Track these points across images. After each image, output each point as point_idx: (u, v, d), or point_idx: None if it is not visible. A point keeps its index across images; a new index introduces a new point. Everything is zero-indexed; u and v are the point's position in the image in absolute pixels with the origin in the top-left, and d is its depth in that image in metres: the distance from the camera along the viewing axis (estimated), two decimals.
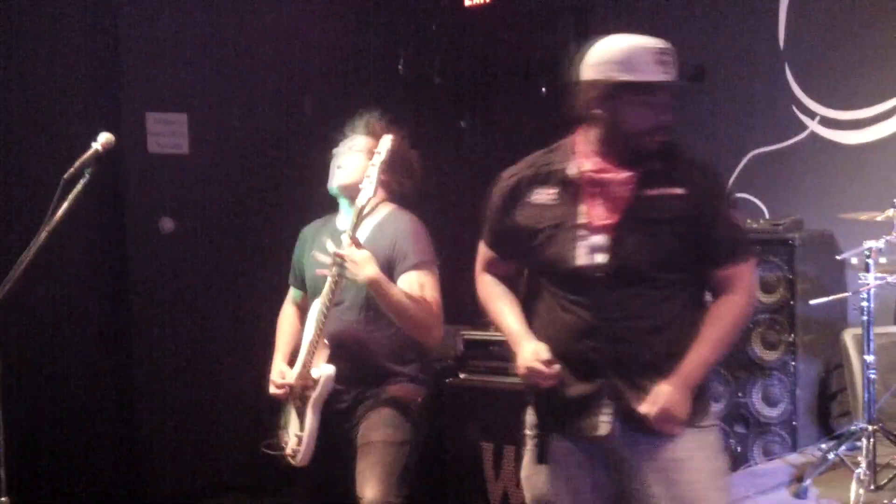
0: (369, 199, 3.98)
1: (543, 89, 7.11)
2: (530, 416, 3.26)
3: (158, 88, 6.19)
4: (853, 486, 4.85)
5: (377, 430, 4.04)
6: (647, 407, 2.99)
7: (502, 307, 3.29)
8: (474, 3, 7.05)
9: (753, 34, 6.49)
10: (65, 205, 3.44)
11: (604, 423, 3.04)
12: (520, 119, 7.26)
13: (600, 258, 3.03)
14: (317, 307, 4.10)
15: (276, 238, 6.25)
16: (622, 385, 3.03)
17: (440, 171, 6.90)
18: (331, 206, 4.27)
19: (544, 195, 3.15)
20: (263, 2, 6.56)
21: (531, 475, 3.22)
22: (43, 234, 3.43)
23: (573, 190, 3.10)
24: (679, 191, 3.04)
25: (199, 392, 6.22)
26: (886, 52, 6.31)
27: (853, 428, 5.10)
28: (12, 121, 5.79)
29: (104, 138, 3.57)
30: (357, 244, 3.92)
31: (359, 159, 4.13)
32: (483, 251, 3.40)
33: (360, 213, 3.96)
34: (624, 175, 3.06)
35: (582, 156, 3.13)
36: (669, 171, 3.07)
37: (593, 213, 3.07)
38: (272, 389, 4.17)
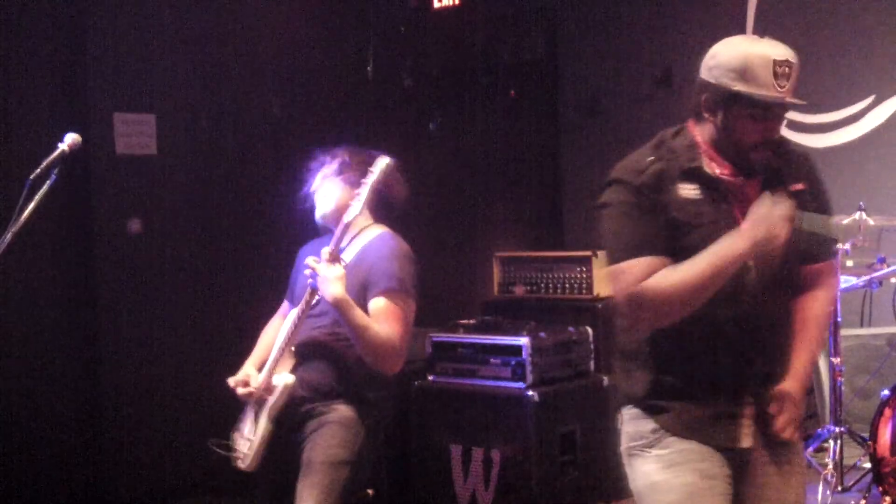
0: (356, 217, 3.94)
1: (512, 92, 7.14)
2: (644, 424, 3.04)
3: (126, 89, 6.14)
4: (820, 487, 4.88)
5: (319, 450, 3.97)
6: (782, 415, 2.93)
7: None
8: (443, 5, 7.05)
9: (721, 37, 6.52)
10: (31, 205, 3.42)
11: (746, 434, 2.95)
12: (489, 122, 7.28)
13: (750, 262, 2.90)
14: (292, 315, 4.09)
15: (244, 240, 6.26)
16: (763, 394, 2.95)
17: (407, 172, 6.91)
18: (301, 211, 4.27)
19: (689, 190, 2.92)
20: (232, 3, 6.53)
21: (661, 482, 3.00)
22: (9, 236, 3.40)
23: (715, 189, 2.93)
24: (799, 186, 2.96)
25: (166, 393, 6.18)
26: (853, 57, 6.36)
27: (820, 430, 5.13)
28: None
29: (71, 139, 3.55)
30: (334, 259, 3.89)
31: (334, 184, 4.11)
32: (632, 266, 2.88)
33: (344, 230, 3.93)
34: (753, 181, 2.95)
35: (706, 155, 2.97)
36: (786, 167, 2.98)
37: (741, 216, 2.90)
38: (237, 389, 4.16)
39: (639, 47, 7.20)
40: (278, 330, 4.29)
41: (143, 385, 6.13)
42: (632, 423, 3.04)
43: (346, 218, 3.93)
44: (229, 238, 6.34)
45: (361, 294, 3.96)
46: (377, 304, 3.95)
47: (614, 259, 2.90)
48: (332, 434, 3.99)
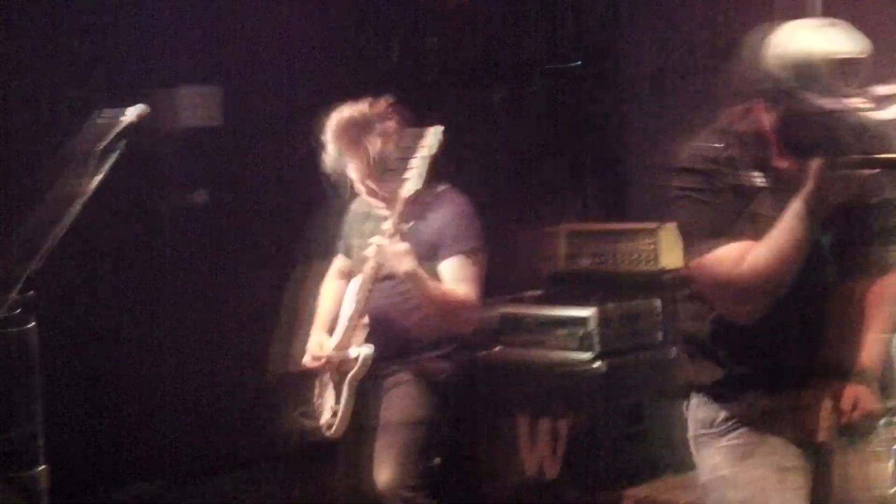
0: (416, 191, 3.92)
1: (577, 63, 7.05)
2: (714, 411, 2.94)
3: (192, 60, 6.16)
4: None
5: (395, 410, 4.02)
6: (857, 410, 2.85)
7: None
8: None
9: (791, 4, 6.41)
10: (98, 176, 3.45)
11: (823, 427, 2.85)
12: (553, 92, 7.19)
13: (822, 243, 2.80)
14: (358, 284, 4.08)
15: (311, 213, 6.27)
16: (837, 383, 2.86)
17: (472, 145, 6.85)
18: None
19: (758, 179, 2.78)
20: None
21: (730, 476, 2.91)
22: (76, 207, 3.42)
23: (781, 178, 2.78)
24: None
25: (221, 364, 6.22)
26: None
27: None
28: (44, 95, 5.79)
29: (139, 109, 3.58)
30: (398, 235, 3.87)
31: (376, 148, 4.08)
32: (725, 253, 2.75)
33: (404, 204, 3.91)
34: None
35: (772, 144, 2.81)
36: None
37: None
38: (308, 360, 4.16)
39: (707, 14, 7.08)
40: (337, 291, 4.29)
41: (200, 355, 6.15)
42: (701, 409, 2.94)
43: (405, 193, 3.89)
44: (296, 211, 6.33)
45: (432, 254, 3.95)
46: (451, 265, 3.97)
47: (698, 250, 2.79)
48: (406, 394, 4.03)
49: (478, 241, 4.03)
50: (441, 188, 4.14)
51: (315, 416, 4.20)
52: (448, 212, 4.04)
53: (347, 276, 4.33)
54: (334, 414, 4.09)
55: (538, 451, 5.20)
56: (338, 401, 4.09)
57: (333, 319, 4.22)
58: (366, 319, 4.06)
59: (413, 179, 3.86)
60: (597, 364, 5.08)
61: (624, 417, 5.16)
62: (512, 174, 7.15)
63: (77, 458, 5.59)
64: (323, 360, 4.11)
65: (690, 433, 3.01)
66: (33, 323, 3.33)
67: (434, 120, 4.02)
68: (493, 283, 6.29)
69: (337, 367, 4.09)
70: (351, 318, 4.05)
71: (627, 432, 5.15)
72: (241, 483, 6.05)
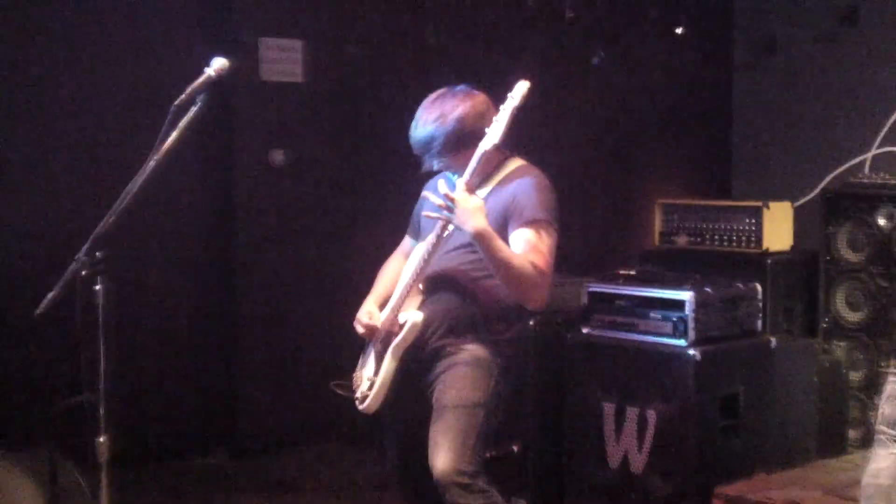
0: (491, 151, 3.89)
1: (680, 29, 6.93)
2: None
3: (273, 12, 6.15)
4: None
5: (452, 392, 3.95)
6: None
7: None
8: None
9: None
10: (175, 133, 3.42)
11: None
12: (655, 58, 7.10)
13: None
14: (420, 250, 4.04)
15: (391, 174, 6.23)
16: None
17: (568, 110, 6.80)
18: None
19: None
20: None
21: (890, 489, 2.83)
22: (151, 164, 3.41)
23: None
24: None
25: (299, 331, 6.23)
26: None
27: None
28: (122, 44, 5.80)
29: (218, 63, 3.52)
30: (471, 190, 3.85)
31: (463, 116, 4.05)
32: None
33: (480, 160, 3.89)
34: None
35: None
36: None
37: None
38: (357, 328, 4.14)
39: None
40: (399, 268, 4.27)
41: (278, 321, 6.19)
42: (890, 404, 2.82)
43: (484, 146, 3.86)
44: (376, 173, 6.31)
45: (502, 226, 3.91)
46: (522, 234, 3.91)
47: None
48: (464, 375, 3.96)
49: (550, 213, 3.98)
50: (516, 164, 4.11)
51: (352, 387, 4.17)
52: (521, 183, 3.99)
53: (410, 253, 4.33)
54: (371, 385, 4.05)
55: (624, 441, 5.13)
56: (377, 372, 4.05)
57: (389, 295, 4.21)
58: (421, 286, 4.03)
59: (494, 132, 3.84)
60: (691, 351, 4.99)
61: (718, 409, 5.06)
62: (606, 141, 7.07)
63: (140, 428, 5.66)
64: (370, 330, 4.09)
65: (876, 425, 2.87)
66: (100, 286, 3.31)
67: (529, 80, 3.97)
68: (583, 259, 6.26)
69: (383, 336, 4.06)
70: (405, 286, 4.02)
71: (721, 425, 5.05)
72: (309, 459, 6.07)
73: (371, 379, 4.08)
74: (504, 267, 3.83)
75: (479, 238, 3.80)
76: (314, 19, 6.24)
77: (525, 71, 4.03)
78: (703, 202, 6.32)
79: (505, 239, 3.91)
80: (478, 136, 3.91)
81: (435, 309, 4.03)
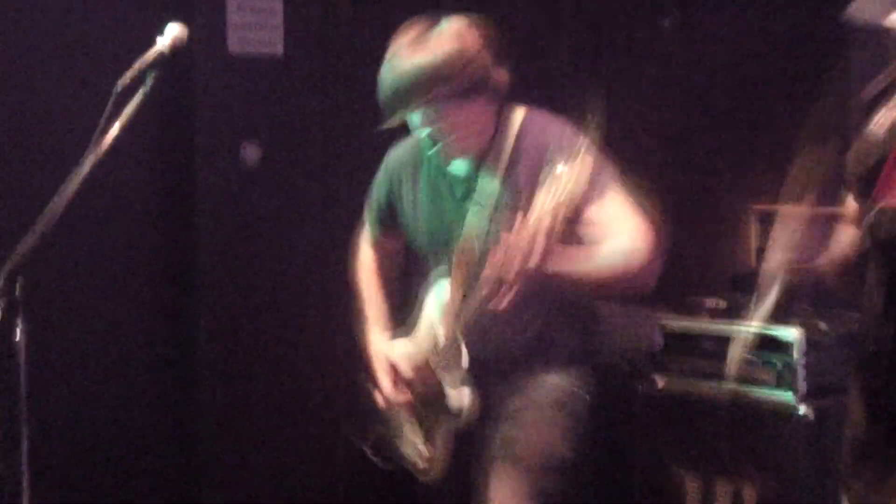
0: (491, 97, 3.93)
1: None
2: None
3: None
4: None
5: (533, 444, 3.91)
6: None
7: None
8: None
9: None
10: (118, 122, 3.38)
11: None
12: (745, 21, 7.08)
13: None
14: (443, 293, 4.03)
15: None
16: None
17: (626, 87, 6.76)
18: None
19: None
20: None
21: None
22: (88, 162, 3.37)
23: None
24: None
25: (280, 375, 6.27)
26: None
27: None
28: (47, 10, 5.81)
29: (173, 32, 3.51)
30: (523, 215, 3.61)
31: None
32: None
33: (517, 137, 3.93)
34: None
35: None
36: None
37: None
38: (391, 395, 4.10)
39: None
40: (375, 270, 4.40)
41: (245, 363, 6.21)
42: None
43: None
44: (370, 169, 6.29)
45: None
46: (595, 215, 3.80)
47: None
48: (548, 421, 3.93)
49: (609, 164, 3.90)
50: (520, 114, 4.02)
51: (392, 456, 4.17)
52: (553, 136, 3.88)
53: (385, 246, 4.40)
54: (429, 459, 4.04)
55: None
56: (430, 443, 4.04)
57: (386, 312, 4.28)
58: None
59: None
60: (801, 408, 4.99)
61: (836, 483, 5.03)
62: (681, 132, 7.06)
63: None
64: (406, 398, 4.09)
65: None
66: (20, 327, 3.25)
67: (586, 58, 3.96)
68: (654, 288, 6.22)
69: (422, 395, 4.05)
70: (444, 343, 3.97)
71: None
72: None
73: (427, 452, 4.08)
74: (595, 283, 3.75)
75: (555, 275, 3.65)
76: None
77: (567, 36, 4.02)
78: (811, 210, 6.30)
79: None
80: (486, 82, 3.88)
81: (490, 337, 3.93)
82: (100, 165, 3.37)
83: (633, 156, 5.82)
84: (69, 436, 5.75)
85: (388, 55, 3.96)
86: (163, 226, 6.19)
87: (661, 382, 5.43)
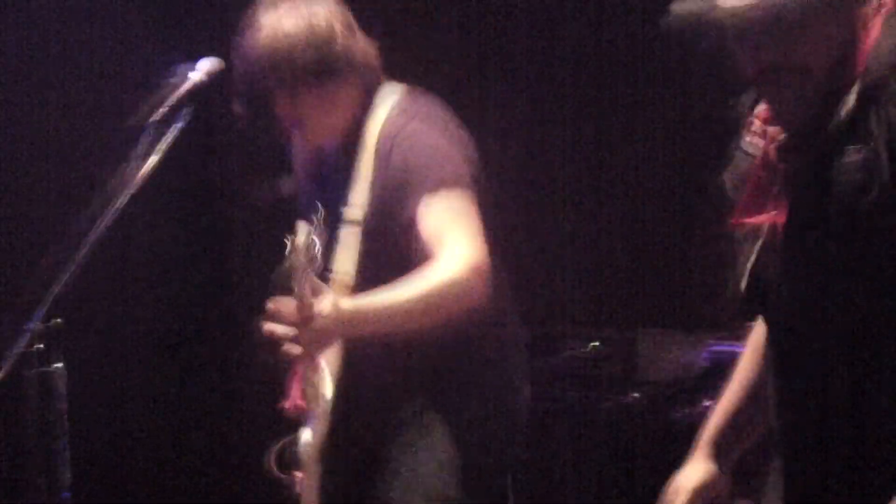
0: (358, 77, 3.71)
1: None
2: None
3: None
4: None
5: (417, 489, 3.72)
6: None
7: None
8: None
9: None
10: (152, 160, 3.40)
11: None
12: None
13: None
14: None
15: None
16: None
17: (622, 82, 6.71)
18: None
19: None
20: None
21: None
22: (119, 204, 3.37)
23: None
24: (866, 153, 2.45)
25: None
26: None
27: None
28: (77, 42, 5.87)
29: (209, 65, 3.53)
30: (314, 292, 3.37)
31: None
32: None
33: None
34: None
35: None
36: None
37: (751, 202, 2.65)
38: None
39: None
40: None
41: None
42: None
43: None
44: None
45: (391, 211, 3.61)
46: (427, 212, 3.53)
47: None
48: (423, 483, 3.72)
49: (461, 168, 3.62)
50: (391, 97, 3.78)
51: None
52: (409, 134, 3.66)
53: None
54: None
55: None
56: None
57: None
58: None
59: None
60: None
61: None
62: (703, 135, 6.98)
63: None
64: None
65: None
66: (60, 364, 3.27)
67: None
68: (695, 308, 6.22)
69: None
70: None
71: None
72: None
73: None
74: (417, 315, 3.46)
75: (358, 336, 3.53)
76: None
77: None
78: None
79: (397, 225, 3.61)
80: (349, 60, 3.69)
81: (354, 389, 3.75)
82: (134, 203, 3.38)
83: (654, 153, 5.81)
84: (111, 464, 5.82)
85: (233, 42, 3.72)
86: (195, 260, 6.24)
87: (705, 404, 5.40)
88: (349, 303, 3.41)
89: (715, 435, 3.02)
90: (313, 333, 3.33)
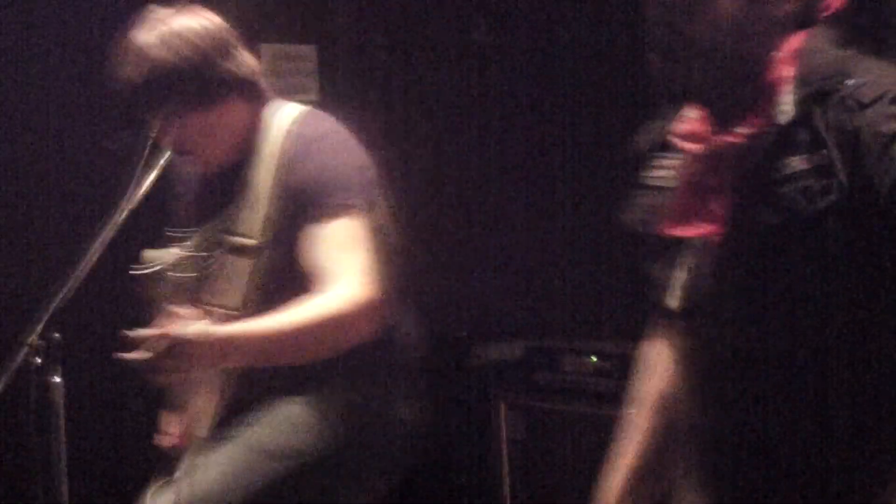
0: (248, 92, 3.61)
1: None
2: None
3: (277, 11, 6.19)
4: None
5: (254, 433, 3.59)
6: None
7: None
8: None
9: None
10: (152, 175, 3.46)
11: None
12: (555, 37, 6.83)
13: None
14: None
15: (437, 215, 6.25)
16: None
17: (444, 94, 6.73)
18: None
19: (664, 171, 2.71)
20: None
21: None
22: (120, 218, 3.41)
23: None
24: (815, 160, 2.43)
25: None
26: None
27: None
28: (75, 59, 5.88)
29: None
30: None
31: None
32: None
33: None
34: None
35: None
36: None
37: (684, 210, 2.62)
38: None
39: None
40: None
41: None
42: None
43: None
44: (422, 221, 6.33)
45: (294, 236, 3.47)
46: (320, 236, 3.41)
47: None
48: (280, 420, 3.60)
49: (359, 189, 3.51)
50: (287, 117, 3.65)
51: None
52: (307, 150, 3.55)
53: None
54: None
55: None
56: None
57: None
58: None
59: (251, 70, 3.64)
60: None
61: None
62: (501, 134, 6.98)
63: None
64: None
65: None
66: (58, 378, 3.27)
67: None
68: None
69: None
70: None
71: None
72: None
73: None
74: (289, 348, 3.39)
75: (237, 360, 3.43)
76: (329, 18, 6.28)
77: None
78: None
79: (292, 253, 3.46)
80: (233, 80, 3.58)
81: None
82: (134, 215, 3.42)
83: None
84: (109, 477, 5.80)
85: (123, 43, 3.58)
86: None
87: None
88: (222, 331, 3.26)
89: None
90: (175, 361, 3.18)
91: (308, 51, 6.28)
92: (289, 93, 6.10)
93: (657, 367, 2.88)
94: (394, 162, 6.35)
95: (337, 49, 6.33)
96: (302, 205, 3.44)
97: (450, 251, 6.40)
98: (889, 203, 2.31)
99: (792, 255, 2.41)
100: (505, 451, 5.81)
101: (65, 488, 3.27)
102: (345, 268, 3.34)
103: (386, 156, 6.23)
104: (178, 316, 3.19)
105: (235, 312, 3.49)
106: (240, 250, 3.53)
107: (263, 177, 3.53)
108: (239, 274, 3.52)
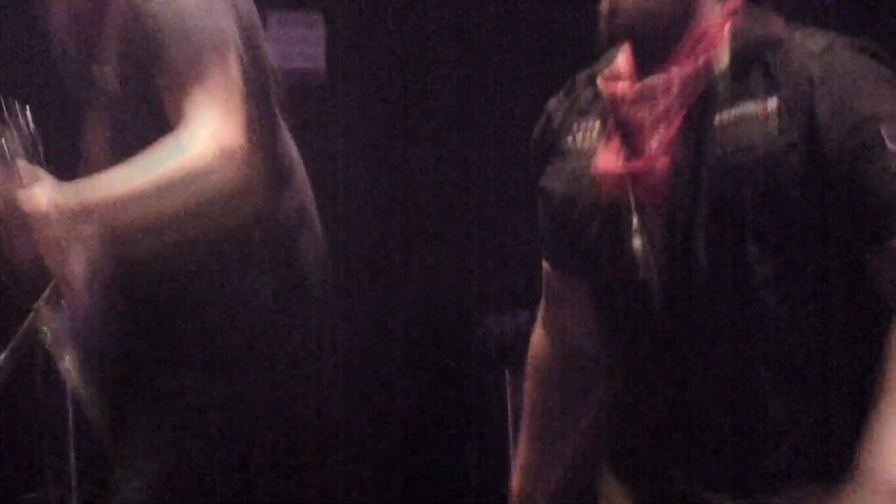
0: None
1: None
2: None
3: None
4: None
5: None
6: None
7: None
8: None
9: None
10: None
11: None
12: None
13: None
14: None
15: (453, 197, 6.26)
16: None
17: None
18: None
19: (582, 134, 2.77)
20: None
21: None
22: None
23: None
24: (770, 105, 2.47)
25: None
26: None
27: None
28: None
29: None
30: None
31: None
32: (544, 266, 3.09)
33: None
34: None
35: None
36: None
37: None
38: None
39: None
40: None
41: None
42: None
43: None
44: (402, 174, 6.32)
45: (151, 80, 2.97)
46: (180, 80, 2.90)
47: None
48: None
49: (229, 26, 2.99)
50: None
51: None
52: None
53: None
54: None
55: None
56: None
57: None
58: None
59: None
60: None
61: None
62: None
63: None
64: None
65: None
66: (68, 357, 3.10)
67: None
68: None
69: None
70: None
71: None
72: None
73: None
74: (149, 205, 2.84)
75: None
76: None
77: None
78: None
79: (151, 99, 2.99)
80: None
81: None
82: None
83: None
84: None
85: None
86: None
87: None
88: (71, 194, 2.81)
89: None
90: (31, 235, 2.79)
91: (315, 18, 6.27)
92: (298, 60, 6.18)
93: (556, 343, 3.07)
94: (399, 123, 6.39)
95: (343, 18, 6.32)
96: (160, 46, 2.90)
97: (454, 222, 6.39)
98: (843, 151, 2.38)
99: (750, 195, 2.43)
100: (511, 422, 5.84)
101: (72, 470, 3.30)
102: (203, 110, 2.85)
103: (392, 117, 6.34)
104: (14, 176, 2.81)
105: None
106: (98, 97, 3.13)
107: (117, 18, 3.03)
108: (97, 123, 3.17)
